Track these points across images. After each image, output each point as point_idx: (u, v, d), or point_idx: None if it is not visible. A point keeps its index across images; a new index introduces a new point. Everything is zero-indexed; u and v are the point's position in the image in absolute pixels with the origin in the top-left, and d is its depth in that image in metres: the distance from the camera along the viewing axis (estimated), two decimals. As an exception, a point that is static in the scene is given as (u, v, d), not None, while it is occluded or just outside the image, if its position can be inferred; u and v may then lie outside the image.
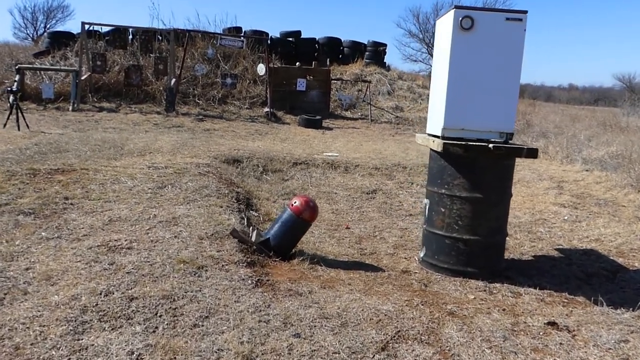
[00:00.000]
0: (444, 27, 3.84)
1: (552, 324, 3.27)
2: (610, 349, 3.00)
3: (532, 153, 3.74)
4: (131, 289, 3.06)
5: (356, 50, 18.45)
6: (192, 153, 7.68)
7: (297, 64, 15.72)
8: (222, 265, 3.52)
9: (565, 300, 3.70)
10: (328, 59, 17.70)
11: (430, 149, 4.13)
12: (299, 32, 18.78)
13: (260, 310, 2.99)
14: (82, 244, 3.65)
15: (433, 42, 39.39)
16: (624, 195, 6.48)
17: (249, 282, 3.34)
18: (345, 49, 18.79)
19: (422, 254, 4.23)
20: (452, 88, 3.71)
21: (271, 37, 18.09)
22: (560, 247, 4.91)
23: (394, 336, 2.92)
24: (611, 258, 4.62)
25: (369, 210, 6.15)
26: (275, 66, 15.43)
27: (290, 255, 4.08)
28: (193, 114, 13.57)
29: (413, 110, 15.86)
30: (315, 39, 18.96)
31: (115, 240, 3.73)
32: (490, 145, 3.68)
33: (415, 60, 40.79)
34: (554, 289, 3.86)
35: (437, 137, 3.95)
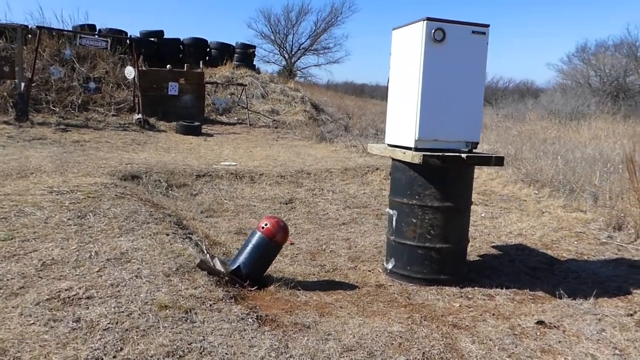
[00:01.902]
0: (411, 37, 3.83)
1: (541, 322, 3.46)
2: (599, 340, 3.25)
3: (499, 161, 3.92)
4: (122, 349, 2.54)
5: (224, 52, 17.91)
6: (81, 171, 6.74)
7: (168, 66, 14.76)
8: (210, 305, 3.11)
9: (531, 297, 3.95)
10: (197, 61, 16.90)
11: (396, 160, 4.11)
12: (161, 32, 17.66)
13: (282, 353, 2.69)
14: (25, 300, 2.94)
15: (285, 44, 40.21)
16: (519, 190, 7.21)
17: (250, 320, 2.99)
18: (212, 50, 18.13)
19: (390, 266, 4.19)
20: (425, 100, 3.72)
21: (131, 36, 16.74)
22: (494, 244, 5.26)
23: (423, 359, 2.84)
24: (541, 251, 5.07)
25: (299, 221, 5.97)
26: (143, 69, 14.30)
27: (261, 281, 3.76)
28: (52, 123, 11.96)
29: (289, 113, 15.89)
30: (179, 39, 18.00)
31: (66, 290, 3.07)
32: (464, 155, 3.77)
33: (269, 62, 41.07)
34: (515, 287, 4.10)
35: (407, 148, 3.94)
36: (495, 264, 4.68)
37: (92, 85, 13.11)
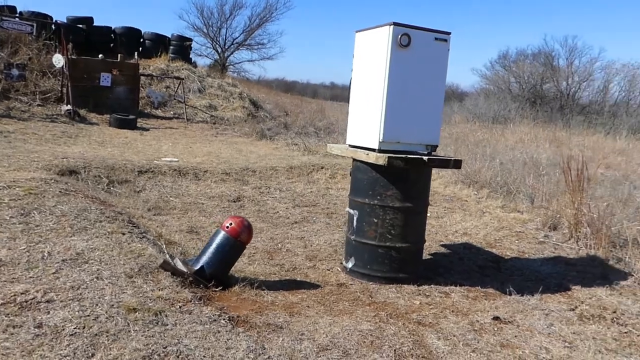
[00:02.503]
0: (376, 41, 3.90)
1: (497, 318, 3.65)
2: (550, 334, 3.49)
3: (457, 164, 4.09)
4: (93, 355, 2.42)
5: (159, 43, 17.28)
6: (12, 165, 6.29)
7: (100, 56, 14.03)
8: (180, 307, 3.02)
9: (483, 294, 4.15)
10: (129, 52, 16.19)
11: (358, 161, 4.16)
12: (90, 19, 16.77)
13: (260, 354, 2.66)
14: (-24, 304, 2.72)
15: (218, 37, 39.42)
16: (460, 191, 7.53)
17: (222, 322, 2.93)
18: (146, 41, 17.45)
19: (350, 265, 4.26)
20: (390, 103, 3.81)
21: (57, 22, 15.76)
22: (443, 243, 5.47)
23: (396, 357, 2.91)
24: (487, 250, 5.34)
25: (250, 220, 5.87)
26: (73, 57, 13.53)
27: (225, 282, 3.70)
28: (-31, 113, 11.07)
29: (227, 109, 15.63)
30: (111, 28, 17.16)
31: (22, 294, 2.87)
32: (425, 158, 3.90)
33: (200, 55, 40.09)
34: (468, 285, 4.29)
35: (370, 149, 4.01)
36: (446, 262, 4.87)
37: (14, 72, 12.25)
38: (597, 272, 4.87)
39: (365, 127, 4.07)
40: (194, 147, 10.85)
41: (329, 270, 4.42)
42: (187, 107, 14.70)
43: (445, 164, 4.04)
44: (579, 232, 5.55)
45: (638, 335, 3.65)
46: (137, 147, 9.94)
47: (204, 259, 3.62)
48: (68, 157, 7.37)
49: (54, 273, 3.16)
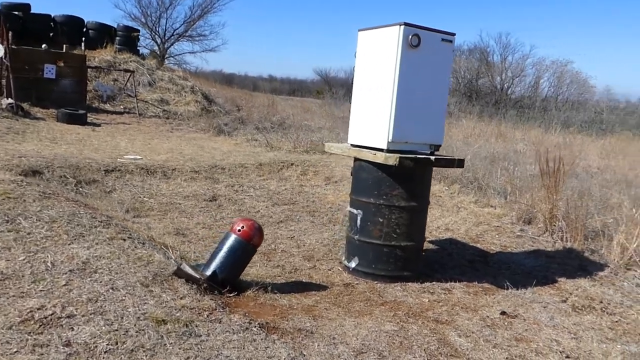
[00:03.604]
0: (384, 41, 3.90)
1: (504, 313, 3.78)
2: (554, 326, 3.65)
3: (461, 163, 4.18)
4: (136, 373, 2.29)
5: (104, 34, 16.45)
6: (-32, 164, 5.83)
7: (44, 45, 13.20)
8: (207, 316, 2.91)
9: (482, 289, 4.29)
10: (71, 42, 15.33)
11: (362, 160, 4.16)
12: (27, 6, 15.72)
13: (302, 362, 2.62)
14: (-9, 323, 2.51)
15: (157, 28, 38.07)
16: (432, 186, 7.69)
17: (254, 329, 2.86)
18: (90, 31, 16.56)
19: (353, 264, 4.26)
20: (400, 103, 3.83)
21: (-9, 8, 14.69)
22: (429, 239, 5.58)
23: (427, 357, 2.96)
24: (471, 245, 5.50)
25: (234, 220, 5.76)
26: (14, 47, 12.64)
27: (238, 286, 3.61)
28: None
29: (180, 104, 15.16)
30: (50, 16, 16.15)
31: (39, 309, 2.67)
32: (432, 158, 3.96)
33: (139, 46, 38.55)
34: (465, 280, 4.41)
35: (377, 149, 4.02)
36: (437, 258, 4.98)
37: (-51, 62, 11.29)
38: (575, 264, 5.14)
39: (372, 126, 4.07)
40: (152, 143, 10.46)
41: (330, 270, 4.40)
42: (138, 101, 14.13)
43: (450, 163, 4.12)
44: (554, 225, 5.83)
45: (628, 324, 3.89)
46: (93, 144, 9.46)
47: (216, 264, 3.51)
48: (25, 156, 6.90)
49: (65, 285, 2.96)
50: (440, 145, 4.19)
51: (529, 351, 3.22)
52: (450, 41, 3.99)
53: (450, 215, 6.50)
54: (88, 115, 12.46)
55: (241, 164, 8.57)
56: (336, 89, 35.76)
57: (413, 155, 3.88)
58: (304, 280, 4.09)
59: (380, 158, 3.91)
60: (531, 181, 7.24)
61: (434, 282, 4.26)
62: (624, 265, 5.10)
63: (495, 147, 13.23)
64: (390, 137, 3.89)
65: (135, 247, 3.69)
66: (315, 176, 8.28)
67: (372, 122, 4.07)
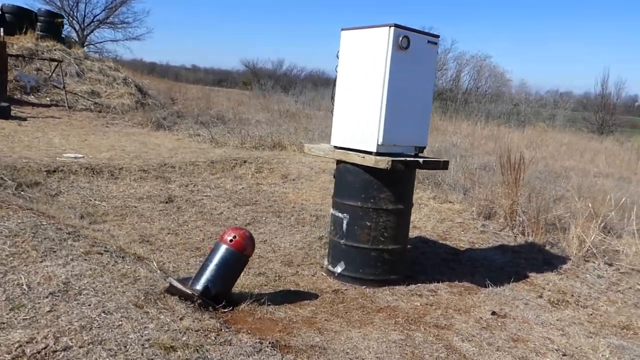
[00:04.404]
0: (372, 42, 3.80)
1: (494, 313, 3.84)
2: (542, 323, 3.76)
3: (446, 165, 4.18)
4: (158, 411, 2.07)
5: (23, 19, 15.07)
6: None
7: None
8: (215, 338, 2.70)
9: (464, 289, 4.34)
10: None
11: (348, 163, 4.06)
12: None
13: (326, 382, 2.50)
14: (-25, 364, 2.17)
15: (75, 13, 35.78)
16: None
17: (268, 350, 2.69)
18: (6, 15, 15.11)
19: (339, 269, 4.17)
20: (390, 105, 3.76)
21: None
22: (400, 238, 5.60)
23: (441, 365, 2.93)
24: (441, 242, 5.58)
25: (198, 224, 5.50)
26: None
27: (230, 300, 3.40)
28: None
29: (112, 96, 14.28)
30: (-40, -2, 14.63)
31: (28, 343, 2.34)
32: (421, 160, 3.93)
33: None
34: (446, 280, 4.44)
35: (364, 152, 3.93)
36: (414, 258, 4.99)
37: None
38: (540, 258, 5.36)
39: (359, 129, 3.97)
40: (89, 139, 9.77)
41: (314, 276, 4.28)
42: (66, 93, 13.15)
43: (437, 165, 4.11)
44: (514, 220, 6.04)
45: (601, 316, 4.09)
46: (23, 141, 8.68)
47: (207, 277, 3.29)
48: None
49: (50, 311, 2.63)
50: (425, 147, 4.18)
51: (528, 351, 3.28)
52: (435, 43, 3.97)
53: (413, 212, 6.54)
54: (12, 108, 11.43)
55: (192, 162, 8.21)
56: (264, 80, 35.40)
57: (403, 158, 3.83)
58: (291, 289, 3.94)
59: (369, 161, 3.82)
60: (488, 177, 7.48)
61: (419, 284, 4.26)
62: (582, 257, 5.38)
63: (434, 141, 13.59)
64: (380, 140, 3.81)
65: (116, 262, 3.37)
66: (271, 174, 8.08)
67: (359, 125, 3.97)
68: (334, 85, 4.20)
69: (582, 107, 38.20)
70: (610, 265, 5.24)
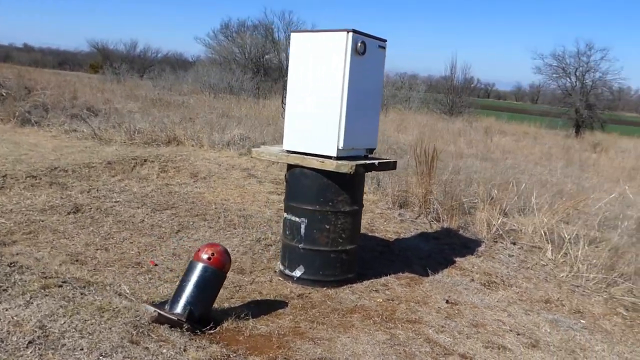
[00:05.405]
0: (329, 46, 3.80)
1: (447, 301, 4.17)
2: (489, 306, 4.18)
3: (394, 165, 4.37)
4: None
5: None
6: None
7: None
8: (228, 366, 2.59)
9: (411, 280, 4.62)
10: None
11: (304, 167, 4.05)
12: None
13: (352, 396, 2.55)
14: None
15: None
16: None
17: (283, 371, 2.66)
18: None
19: (299, 273, 4.18)
20: (349, 110, 3.82)
21: None
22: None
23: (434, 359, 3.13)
24: (371, 235, 5.82)
25: (126, 235, 5.07)
26: None
27: (212, 319, 3.26)
28: None
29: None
30: None
31: (35, 405, 2.05)
32: (376, 163, 4.08)
33: None
34: (391, 273, 4.67)
35: (323, 156, 3.96)
36: (354, 253, 5.17)
37: None
38: (458, 242, 5.88)
39: (316, 133, 3.98)
40: (-54, 141, 8.40)
41: (271, 282, 4.24)
42: None
43: (387, 165, 4.28)
44: (428, 208, 6.53)
45: (525, 293, 4.65)
46: None
47: (186, 299, 3.12)
48: None
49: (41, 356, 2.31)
50: (374, 149, 4.33)
51: (490, 335, 3.64)
52: (384, 47, 4.12)
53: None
54: None
55: (85, 164, 7.50)
56: (117, 64, 33.03)
57: (363, 162, 3.94)
58: (258, 299, 3.87)
59: (330, 166, 3.87)
60: (402, 166, 7.89)
61: (372, 280, 4.45)
62: (491, 238, 6.02)
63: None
64: (341, 145, 3.88)
65: (82, 293, 3.03)
66: (179, 173, 7.69)
67: (316, 129, 3.98)
68: (284, 88, 4.15)
69: (433, 89, 41.36)
70: (515, 244, 5.93)
